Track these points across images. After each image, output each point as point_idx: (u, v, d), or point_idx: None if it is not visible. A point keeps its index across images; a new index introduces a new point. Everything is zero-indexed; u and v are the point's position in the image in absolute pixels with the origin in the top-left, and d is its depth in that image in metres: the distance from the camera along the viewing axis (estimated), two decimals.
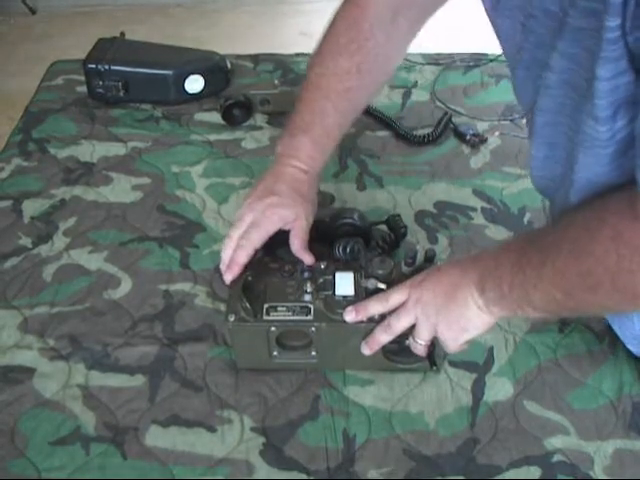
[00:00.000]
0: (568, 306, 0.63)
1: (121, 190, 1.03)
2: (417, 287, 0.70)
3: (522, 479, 0.69)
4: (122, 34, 1.28)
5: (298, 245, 0.79)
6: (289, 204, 0.79)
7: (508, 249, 0.67)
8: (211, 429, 0.72)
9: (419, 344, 0.71)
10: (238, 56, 1.35)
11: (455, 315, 0.68)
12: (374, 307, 0.71)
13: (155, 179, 1.05)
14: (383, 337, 0.71)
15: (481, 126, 1.15)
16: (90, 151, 1.11)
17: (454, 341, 0.70)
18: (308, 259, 0.78)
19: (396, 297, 0.70)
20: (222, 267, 0.79)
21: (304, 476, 0.69)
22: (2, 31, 2.97)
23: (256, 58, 1.35)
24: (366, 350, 0.73)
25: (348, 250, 0.80)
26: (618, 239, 0.55)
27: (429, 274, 0.71)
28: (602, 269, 0.57)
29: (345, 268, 0.77)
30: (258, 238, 0.77)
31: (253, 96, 1.17)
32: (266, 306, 0.73)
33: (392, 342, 0.74)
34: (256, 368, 0.77)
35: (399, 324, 0.70)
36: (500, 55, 1.34)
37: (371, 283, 0.74)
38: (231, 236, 0.79)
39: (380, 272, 0.75)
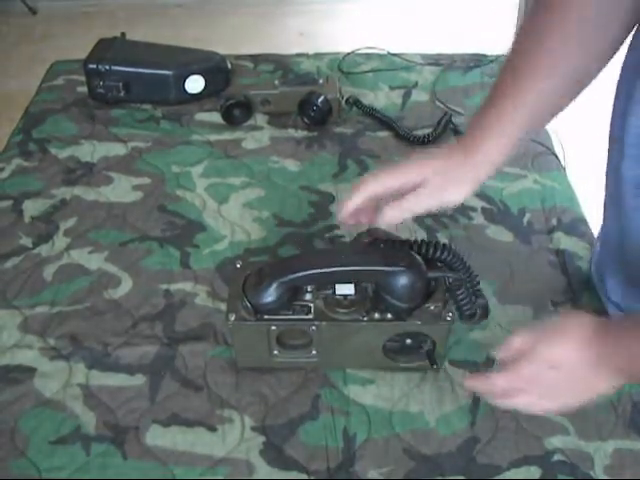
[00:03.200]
0: None
1: (121, 190, 1.03)
2: (541, 365, 0.62)
3: (522, 479, 0.69)
4: (123, 34, 1.28)
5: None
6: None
7: None
8: (211, 428, 0.73)
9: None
10: (238, 56, 1.35)
11: (578, 396, 0.64)
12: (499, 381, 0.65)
13: (155, 179, 1.05)
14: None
15: None
16: (90, 151, 1.11)
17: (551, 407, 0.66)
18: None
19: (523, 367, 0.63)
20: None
21: (304, 476, 0.69)
22: (2, 31, 2.97)
23: (256, 58, 1.35)
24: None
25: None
26: None
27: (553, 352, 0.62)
28: None
29: None
30: None
31: (253, 96, 1.17)
32: None
33: (393, 341, 0.74)
34: (256, 367, 0.77)
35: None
36: (500, 55, 1.34)
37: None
38: None
39: None
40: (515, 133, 0.69)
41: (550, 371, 0.62)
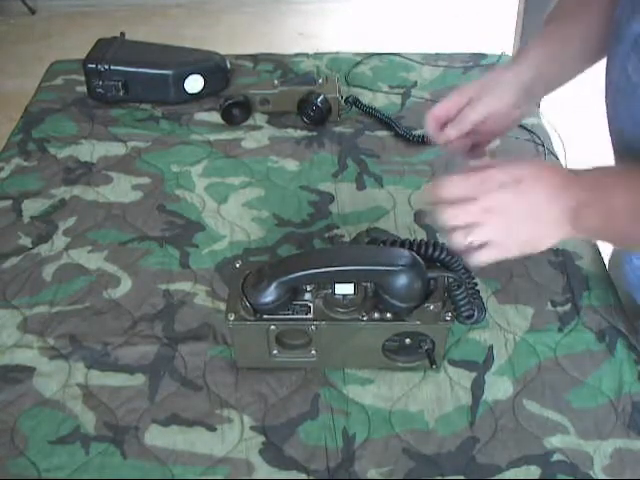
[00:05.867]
0: None
1: (121, 190, 1.03)
2: (492, 194, 0.64)
3: (522, 479, 0.69)
4: (122, 34, 1.28)
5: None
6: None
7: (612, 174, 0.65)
8: (211, 428, 0.73)
9: (462, 242, 0.65)
10: (238, 56, 1.35)
11: (530, 234, 0.65)
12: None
13: (155, 179, 1.05)
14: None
15: None
16: (90, 151, 1.11)
17: (509, 252, 0.66)
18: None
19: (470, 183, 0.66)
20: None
21: (304, 475, 0.69)
22: (2, 31, 2.98)
23: (256, 58, 1.35)
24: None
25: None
26: None
27: (507, 184, 0.64)
28: None
29: None
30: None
31: (253, 96, 1.17)
32: None
33: (392, 341, 0.74)
34: (256, 367, 0.77)
35: (457, 220, 0.65)
36: (500, 55, 1.34)
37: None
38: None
39: None
40: (557, 44, 0.79)
41: (504, 191, 0.64)
